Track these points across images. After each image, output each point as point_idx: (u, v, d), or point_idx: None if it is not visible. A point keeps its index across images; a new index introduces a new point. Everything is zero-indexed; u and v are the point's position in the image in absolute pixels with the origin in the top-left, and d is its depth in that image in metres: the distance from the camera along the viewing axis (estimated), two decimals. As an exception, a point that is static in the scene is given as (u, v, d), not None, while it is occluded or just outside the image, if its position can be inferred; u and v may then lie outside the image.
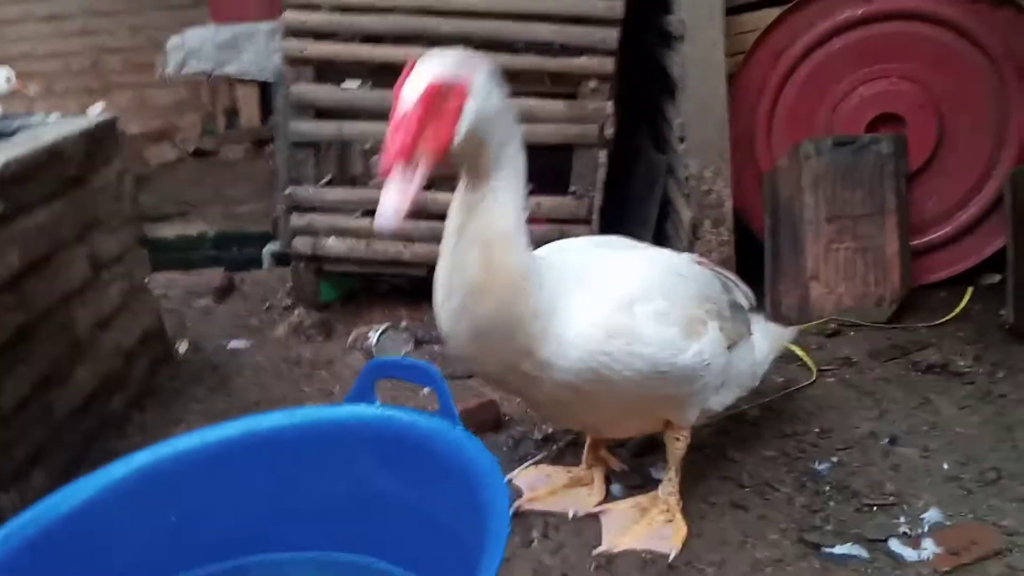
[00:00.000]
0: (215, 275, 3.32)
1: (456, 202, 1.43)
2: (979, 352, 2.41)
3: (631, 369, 1.51)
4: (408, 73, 1.28)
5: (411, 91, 1.26)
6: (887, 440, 2.05)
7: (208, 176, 5.07)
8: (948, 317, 2.62)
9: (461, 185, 1.42)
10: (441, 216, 2.75)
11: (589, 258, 1.62)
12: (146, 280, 2.59)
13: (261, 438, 1.47)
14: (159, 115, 5.70)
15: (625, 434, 1.90)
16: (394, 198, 1.21)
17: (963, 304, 2.66)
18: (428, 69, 1.27)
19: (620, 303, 1.51)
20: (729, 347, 1.76)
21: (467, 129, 1.29)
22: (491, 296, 1.39)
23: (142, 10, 5.68)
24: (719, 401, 1.80)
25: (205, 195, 4.66)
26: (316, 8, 2.61)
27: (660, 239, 3.00)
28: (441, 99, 1.26)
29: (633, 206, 3.14)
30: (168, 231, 4.11)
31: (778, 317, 2.66)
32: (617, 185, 3.21)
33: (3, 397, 1.79)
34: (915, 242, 2.76)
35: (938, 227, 2.77)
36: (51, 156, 2.06)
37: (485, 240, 1.38)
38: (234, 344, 2.80)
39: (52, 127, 2.23)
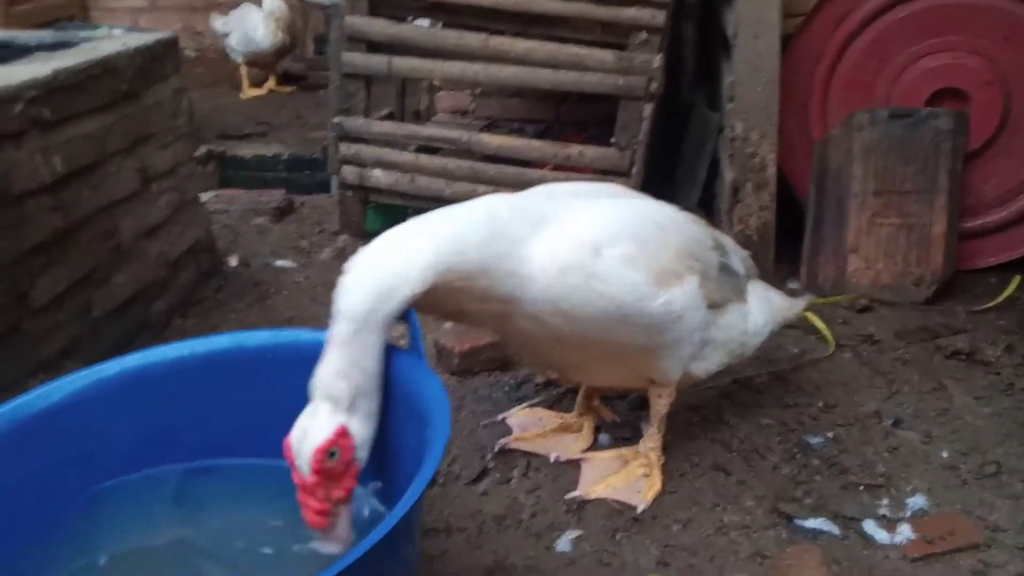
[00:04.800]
0: (276, 195, 3.45)
1: None
2: (1013, 343, 2.33)
3: (593, 307, 1.52)
4: (288, 447, 1.32)
5: (303, 466, 1.30)
6: (891, 421, 2.02)
7: (292, 99, 5.19)
8: (989, 304, 2.53)
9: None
10: (484, 157, 2.82)
11: (554, 203, 1.61)
12: (200, 195, 2.72)
13: (247, 353, 1.56)
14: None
15: (606, 383, 1.91)
16: (337, 540, 1.31)
17: (1008, 292, 2.57)
18: (308, 443, 1.30)
19: (581, 243, 1.52)
20: (713, 306, 1.75)
21: (364, 456, 1.35)
22: None
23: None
24: (702, 367, 1.79)
25: (286, 118, 4.79)
26: (371, -57, 2.65)
27: (708, 199, 2.97)
28: (331, 458, 1.30)
29: (683, 163, 3.11)
30: (245, 150, 4.25)
31: (813, 289, 2.62)
32: (670, 141, 3.18)
33: (37, 291, 1.93)
34: (968, 224, 2.67)
35: (994, 211, 2.67)
36: (104, 69, 2.17)
37: None
38: (280, 263, 2.92)
39: (112, 41, 2.34)
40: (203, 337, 1.59)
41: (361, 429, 1.35)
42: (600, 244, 1.53)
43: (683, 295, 1.63)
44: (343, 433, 1.31)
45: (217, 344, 1.57)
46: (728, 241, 1.90)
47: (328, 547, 1.32)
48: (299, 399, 1.57)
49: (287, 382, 1.56)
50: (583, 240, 1.52)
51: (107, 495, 1.48)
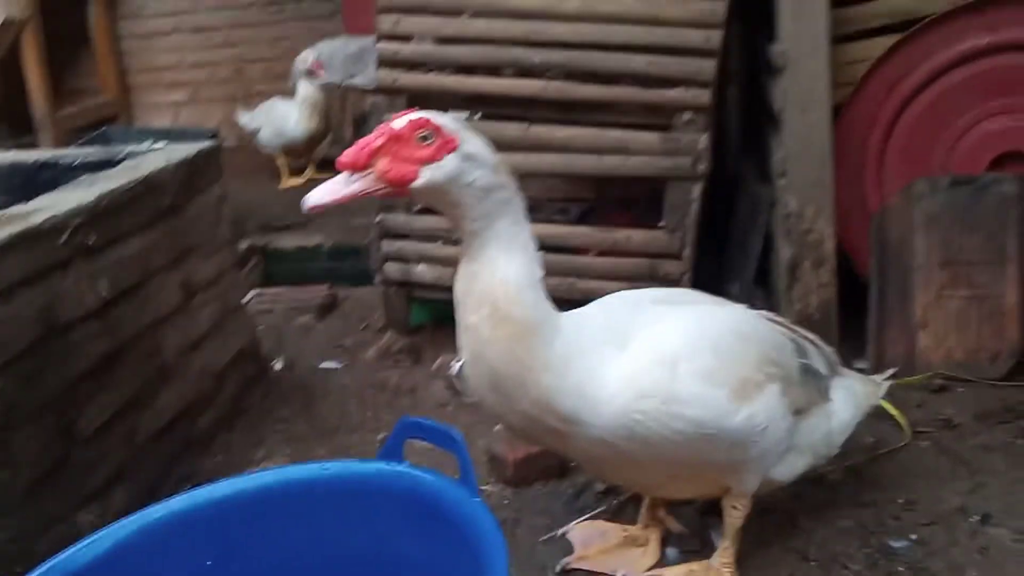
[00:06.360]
0: (319, 292, 3.43)
1: (460, 272, 1.44)
2: (1105, 422, 2.18)
3: (670, 430, 1.46)
4: (417, 114, 1.35)
5: (403, 117, 1.33)
6: (978, 518, 1.88)
7: (333, 185, 5.20)
8: (1075, 379, 2.38)
9: (463, 259, 1.44)
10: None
11: (636, 314, 1.56)
12: (242, 300, 2.70)
13: (294, 488, 1.50)
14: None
15: (679, 496, 1.82)
16: (328, 189, 1.31)
17: (1094, 366, 2.42)
18: (431, 113, 1.35)
19: (659, 361, 1.47)
20: (797, 412, 1.67)
21: (433, 181, 1.33)
22: (496, 348, 1.40)
23: (281, 22, 5.92)
24: (785, 471, 1.70)
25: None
26: (408, 39, 2.63)
27: (763, 275, 2.87)
28: (424, 136, 1.32)
29: (736, 240, 3.02)
30: (287, 241, 4.24)
31: (881, 368, 2.48)
32: (721, 217, 3.10)
33: (84, 421, 1.89)
34: (1046, 293, 2.53)
35: (1071, 279, 2.52)
36: (147, 188, 2.16)
37: (488, 302, 1.40)
38: (326, 364, 2.88)
39: (154, 156, 2.34)
40: (248, 474, 1.54)
41: (480, 149, 1.36)
42: (678, 358, 1.47)
43: (765, 407, 1.55)
44: (455, 140, 1.33)
45: (263, 480, 1.50)
46: (809, 339, 1.81)
47: (308, 199, 1.32)
48: (343, 535, 1.50)
49: (333, 517, 1.50)
50: (660, 358, 1.47)
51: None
